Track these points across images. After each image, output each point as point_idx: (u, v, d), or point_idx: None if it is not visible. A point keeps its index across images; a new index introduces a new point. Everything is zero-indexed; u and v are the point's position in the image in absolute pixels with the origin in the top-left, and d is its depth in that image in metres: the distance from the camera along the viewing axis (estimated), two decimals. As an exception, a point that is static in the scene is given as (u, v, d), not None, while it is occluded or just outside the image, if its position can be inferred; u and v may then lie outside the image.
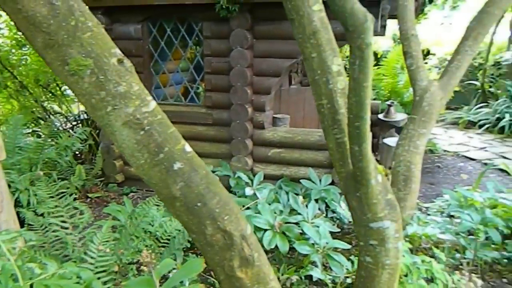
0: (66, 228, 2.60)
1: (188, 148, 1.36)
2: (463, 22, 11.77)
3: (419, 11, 6.15)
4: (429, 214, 4.15)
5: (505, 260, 3.32)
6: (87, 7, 1.28)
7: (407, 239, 3.21)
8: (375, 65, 7.94)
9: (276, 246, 2.92)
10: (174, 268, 2.01)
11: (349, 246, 3.02)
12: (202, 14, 4.63)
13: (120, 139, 1.30)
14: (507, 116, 7.77)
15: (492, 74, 8.86)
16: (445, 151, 7.17)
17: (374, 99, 7.35)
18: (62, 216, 2.67)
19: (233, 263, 1.35)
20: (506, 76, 8.49)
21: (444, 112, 9.67)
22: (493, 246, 3.54)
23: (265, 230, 2.97)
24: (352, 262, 2.92)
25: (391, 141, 5.60)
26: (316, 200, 3.88)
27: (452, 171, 6.27)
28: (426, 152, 7.05)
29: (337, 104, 1.64)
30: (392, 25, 12.04)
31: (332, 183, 4.35)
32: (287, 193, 3.95)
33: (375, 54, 8.97)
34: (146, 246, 2.40)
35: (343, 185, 1.67)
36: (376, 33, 4.63)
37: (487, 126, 8.21)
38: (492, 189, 3.91)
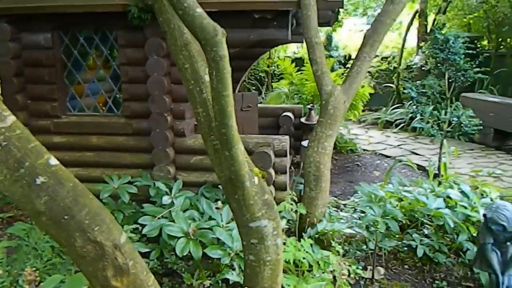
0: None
1: (53, 161, 1.35)
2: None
3: (334, 20, 6.50)
4: (341, 210, 4.40)
5: (405, 248, 3.63)
6: None
7: (316, 235, 3.39)
8: (298, 70, 8.27)
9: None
10: (61, 283, 1.96)
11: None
12: (115, 23, 4.55)
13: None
14: (418, 116, 8.45)
15: (405, 77, 9.59)
16: (364, 150, 7.64)
17: (297, 103, 7.63)
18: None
19: (106, 273, 1.36)
20: (416, 78, 9.23)
21: (365, 113, 10.29)
22: (397, 236, 3.87)
23: (179, 237, 2.98)
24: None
25: (312, 143, 5.85)
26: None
27: (369, 169, 6.69)
28: (347, 152, 7.49)
29: (211, 112, 1.72)
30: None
31: (253, 187, 4.46)
32: (208, 199, 3.99)
33: (301, 59, 9.33)
34: (47, 262, 2.31)
35: (223, 188, 1.75)
36: (289, 41, 4.86)
37: (402, 125, 8.87)
38: (396, 183, 4.25)
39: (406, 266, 3.56)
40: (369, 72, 10.49)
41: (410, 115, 8.60)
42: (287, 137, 4.75)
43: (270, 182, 4.49)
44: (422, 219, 3.81)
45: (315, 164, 3.73)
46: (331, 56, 10.72)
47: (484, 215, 2.64)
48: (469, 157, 6.78)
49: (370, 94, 8.40)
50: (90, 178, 4.72)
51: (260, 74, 11.71)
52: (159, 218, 3.23)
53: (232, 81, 6.64)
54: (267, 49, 7.06)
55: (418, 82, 5.21)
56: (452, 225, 3.21)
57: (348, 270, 2.66)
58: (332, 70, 10.04)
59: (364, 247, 3.57)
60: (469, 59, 4.83)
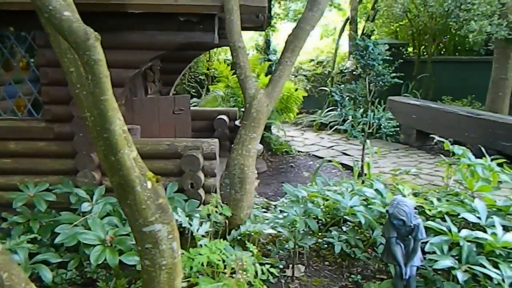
0: None
1: None
2: (315, 34, 13.08)
3: (267, 24, 6.64)
4: (268, 211, 4.49)
5: (326, 246, 3.78)
6: None
7: (239, 237, 3.44)
8: (234, 73, 8.32)
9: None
10: None
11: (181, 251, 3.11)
12: (33, 22, 4.31)
13: None
14: (350, 118, 8.84)
15: (338, 81, 10.01)
16: (299, 151, 7.86)
17: (233, 106, 7.70)
18: None
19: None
20: (348, 82, 9.67)
21: (302, 116, 10.60)
22: (320, 234, 4.02)
23: (95, 245, 2.89)
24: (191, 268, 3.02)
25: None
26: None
27: (303, 170, 6.90)
28: (282, 153, 7.66)
29: (101, 117, 1.70)
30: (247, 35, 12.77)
31: (182, 191, 4.43)
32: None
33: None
34: None
35: (115, 193, 1.73)
36: (217, 45, 4.89)
37: (335, 127, 9.24)
38: (320, 183, 4.42)
39: (326, 263, 3.71)
40: (305, 76, 10.84)
41: (343, 117, 8.97)
42: (216, 140, 4.77)
43: (200, 185, 4.48)
44: (346, 216, 4.00)
45: (239, 167, 3.79)
46: (270, 60, 10.93)
47: (387, 211, 2.82)
48: (393, 156, 7.22)
49: (307, 97, 8.68)
50: (8, 186, 4.44)
51: (200, 77, 11.66)
52: (75, 226, 3.11)
53: (166, 84, 6.56)
54: (201, 52, 7.04)
55: (342, 86, 5.46)
56: (363, 221, 3.40)
57: (262, 270, 2.73)
58: (270, 72, 10.25)
59: (287, 246, 3.67)
60: (387, 65, 5.15)
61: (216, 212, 3.69)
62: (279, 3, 9.34)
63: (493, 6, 6.80)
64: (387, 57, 5.20)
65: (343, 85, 5.47)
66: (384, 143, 8.12)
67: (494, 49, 7.58)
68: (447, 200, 4.03)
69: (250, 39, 12.75)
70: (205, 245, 2.65)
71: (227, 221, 3.80)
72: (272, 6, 7.37)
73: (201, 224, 3.42)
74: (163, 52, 4.70)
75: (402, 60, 9.65)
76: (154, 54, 4.60)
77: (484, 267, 2.65)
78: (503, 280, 2.53)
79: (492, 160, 4.47)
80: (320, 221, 4.20)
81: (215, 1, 4.00)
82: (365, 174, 5.49)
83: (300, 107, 10.80)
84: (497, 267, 2.68)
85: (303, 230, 3.52)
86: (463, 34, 7.27)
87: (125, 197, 1.63)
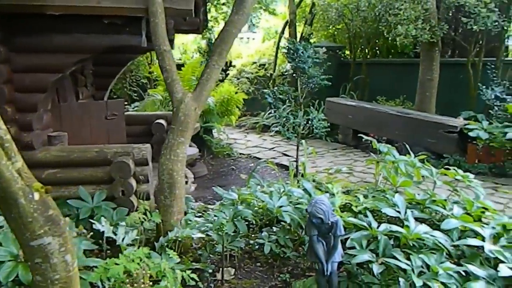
0: None
1: None
2: (259, 37, 13.24)
3: (204, 27, 6.60)
4: (203, 215, 4.45)
5: (257, 247, 3.82)
6: None
7: (166, 244, 3.38)
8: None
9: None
10: None
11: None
12: None
13: None
14: (297, 119, 9.01)
15: (280, 83, 10.17)
16: (241, 154, 7.89)
17: (172, 110, 7.57)
18: None
19: None
20: (290, 84, 9.86)
21: (246, 118, 10.67)
22: (254, 235, 4.06)
23: (6, 261, 2.71)
24: (109, 279, 2.91)
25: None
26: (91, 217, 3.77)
27: (243, 172, 6.92)
28: (224, 156, 7.65)
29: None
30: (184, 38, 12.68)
31: (113, 198, 4.29)
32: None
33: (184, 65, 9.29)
34: None
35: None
36: (145, 48, 4.79)
37: (277, 129, 9.37)
38: (254, 185, 4.45)
39: (258, 264, 3.74)
40: (248, 78, 10.91)
41: (284, 119, 9.12)
42: (148, 145, 4.67)
43: (131, 192, 4.36)
44: (279, 217, 4.06)
45: (168, 172, 3.72)
46: (212, 63, 10.88)
47: (306, 210, 2.90)
48: (331, 156, 7.45)
49: (251, 99, 8.73)
50: None
51: (142, 80, 11.38)
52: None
53: (99, 88, 6.30)
54: (136, 55, 6.87)
55: (275, 88, 5.56)
56: (288, 221, 3.47)
57: (182, 276, 2.69)
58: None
59: (218, 249, 3.66)
60: (317, 67, 5.30)
61: (145, 219, 3.60)
62: (215, 6, 9.34)
63: (417, 12, 7.23)
64: (318, 60, 5.35)
65: (275, 87, 5.55)
66: (323, 143, 8.36)
67: (420, 52, 8.06)
68: (373, 197, 4.21)
69: (193, 42, 12.67)
70: (123, 254, 2.57)
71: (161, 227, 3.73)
72: (208, 10, 7.36)
73: (127, 232, 3.32)
74: (89, 55, 4.54)
75: (339, 63, 10.09)
76: (79, 57, 4.42)
77: (397, 259, 2.79)
78: (413, 270, 2.68)
79: (415, 156, 4.73)
80: (252, 223, 4.24)
81: (139, 4, 3.92)
82: (302, 174, 5.62)
83: (243, 110, 10.88)
84: (410, 258, 2.83)
85: (233, 233, 3.52)
86: (392, 37, 7.66)
87: (8, 211, 1.54)
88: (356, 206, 3.88)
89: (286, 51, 5.21)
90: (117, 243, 3.19)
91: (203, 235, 3.51)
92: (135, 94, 11.06)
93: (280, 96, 5.20)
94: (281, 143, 8.65)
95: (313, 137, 8.42)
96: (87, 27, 4.18)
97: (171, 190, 3.74)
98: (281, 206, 3.61)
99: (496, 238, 3.02)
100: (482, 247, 2.89)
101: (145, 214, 3.66)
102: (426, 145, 6.63)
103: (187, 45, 12.71)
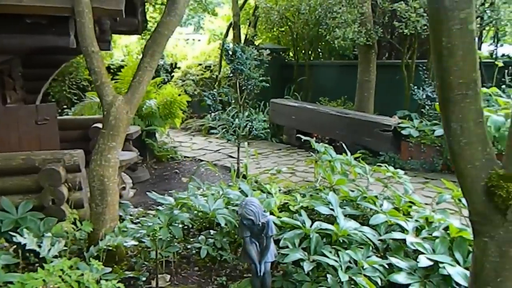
0: None
1: None
2: (204, 39, 13.15)
3: (143, 28, 6.43)
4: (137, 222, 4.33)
5: (195, 251, 3.76)
6: None
7: (97, 253, 3.25)
8: (112, 79, 7.94)
9: None
10: None
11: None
12: None
13: None
14: (237, 120, 9.02)
15: (226, 84, 10.15)
16: (185, 157, 7.77)
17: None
18: None
19: None
20: (234, 86, 9.87)
21: (193, 120, 10.54)
22: (192, 240, 4.00)
23: None
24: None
25: (123, 154, 5.65)
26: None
27: (187, 175, 6.82)
28: (168, 160, 7.50)
29: None
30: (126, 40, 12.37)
31: (42, 208, 4.06)
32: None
33: (108, 68, 9.01)
34: None
35: None
36: (75, 49, 4.59)
37: (224, 130, 9.35)
38: (193, 188, 4.39)
39: (196, 268, 3.69)
40: (193, 80, 10.80)
41: (216, 121, 9.10)
42: (80, 151, 4.47)
43: (62, 200, 4.15)
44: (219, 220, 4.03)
45: (98, 178, 3.58)
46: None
47: (237, 212, 2.90)
48: (275, 156, 7.54)
49: (198, 101, 8.59)
50: None
51: (82, 83, 10.90)
52: None
53: (31, 92, 5.96)
54: (69, 57, 6.56)
55: (214, 90, 5.54)
56: (223, 223, 3.46)
57: (107, 286, 2.60)
58: (158, 76, 10.01)
59: (153, 256, 3.57)
60: (257, 69, 5.34)
61: (74, 229, 3.44)
62: (154, 6, 9.16)
63: (353, 15, 7.51)
64: (256, 61, 5.40)
65: (215, 89, 5.53)
66: (268, 144, 8.45)
67: (358, 54, 8.38)
68: (311, 196, 4.31)
69: (137, 43, 12.33)
70: (42, 267, 2.43)
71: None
72: (146, 10, 7.18)
73: (53, 244, 3.15)
74: (12, 56, 4.28)
75: (283, 64, 10.24)
76: (1, 58, 4.16)
77: (326, 256, 2.86)
78: (341, 266, 2.76)
79: (352, 155, 4.89)
80: (191, 227, 4.19)
81: (65, 3, 3.73)
82: (244, 176, 5.63)
83: (190, 112, 10.74)
84: (339, 255, 2.91)
85: (169, 238, 3.45)
86: (331, 40, 7.90)
87: None
88: (294, 206, 3.95)
89: (225, 53, 5.20)
90: (40, 256, 3.01)
91: (136, 243, 3.40)
92: (75, 97, 10.58)
93: (220, 98, 5.18)
94: (226, 145, 8.62)
95: (259, 138, 8.50)
96: (9, 27, 3.93)
97: (103, 197, 3.60)
98: (217, 209, 3.58)
99: (418, 230, 3.19)
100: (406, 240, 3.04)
101: (74, 223, 3.50)
102: (364, 144, 6.90)
103: (130, 47, 12.35)
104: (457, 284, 2.60)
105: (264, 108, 9.32)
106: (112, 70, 10.56)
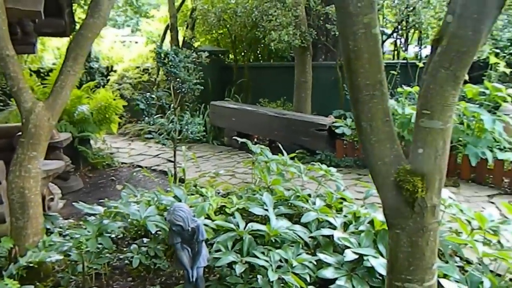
0: None
1: None
2: (142, 41, 12.80)
3: (71, 30, 6.11)
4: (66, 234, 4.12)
5: (126, 261, 3.64)
6: None
7: (16, 271, 3.03)
8: (42, 83, 7.50)
9: None
10: None
11: None
12: None
13: None
14: (171, 125, 8.85)
15: (165, 87, 9.93)
16: (123, 163, 7.51)
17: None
18: None
19: None
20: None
21: (131, 125, 10.22)
22: (126, 249, 3.86)
23: None
24: None
25: (49, 163, 5.33)
26: None
27: (124, 183, 6.58)
28: (104, 167, 7.21)
29: None
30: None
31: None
32: None
33: (38, 72, 8.51)
34: None
35: None
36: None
37: (159, 135, 9.13)
38: (126, 196, 4.25)
39: (129, 279, 3.57)
40: (130, 83, 10.46)
41: (171, 124, 8.93)
42: (0, 162, 4.16)
43: (-20, 216, 3.84)
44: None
45: (18, 190, 3.35)
46: (91, 68, 10.23)
47: (165, 218, 2.85)
48: (216, 159, 7.50)
49: (136, 105, 8.25)
50: None
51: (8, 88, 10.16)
52: None
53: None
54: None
55: (148, 93, 5.41)
56: (153, 231, 3.38)
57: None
58: (93, 79, 9.58)
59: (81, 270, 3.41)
60: (192, 71, 5.29)
61: (-9, 246, 3.19)
62: (82, 7, 8.77)
63: (288, 18, 7.68)
64: (190, 64, 5.34)
65: (148, 93, 5.40)
66: (210, 147, 8.40)
67: (294, 56, 8.58)
68: (248, 197, 4.33)
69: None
70: None
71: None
72: (74, 11, 6.85)
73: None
74: None
75: (223, 66, 10.23)
76: None
77: (257, 257, 2.89)
78: (271, 266, 2.80)
79: (290, 154, 4.98)
80: (124, 236, 4.06)
81: (-26, 3, 3.46)
82: (182, 180, 5.54)
83: (128, 116, 10.39)
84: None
85: (98, 249, 3.31)
86: (267, 42, 8.02)
87: None
88: (229, 208, 3.95)
89: (156, 56, 5.09)
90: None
91: (61, 257, 3.22)
92: (1, 104, 9.84)
93: (153, 102, 5.06)
94: (166, 149, 8.41)
95: (199, 141, 8.42)
96: None
97: (24, 210, 3.37)
98: (148, 216, 3.49)
99: (346, 225, 3.32)
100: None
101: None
102: (302, 143, 7.07)
103: (62, 49, 11.72)
104: (380, 275, 2.74)
105: (205, 111, 9.25)
106: (42, 74, 9.96)
